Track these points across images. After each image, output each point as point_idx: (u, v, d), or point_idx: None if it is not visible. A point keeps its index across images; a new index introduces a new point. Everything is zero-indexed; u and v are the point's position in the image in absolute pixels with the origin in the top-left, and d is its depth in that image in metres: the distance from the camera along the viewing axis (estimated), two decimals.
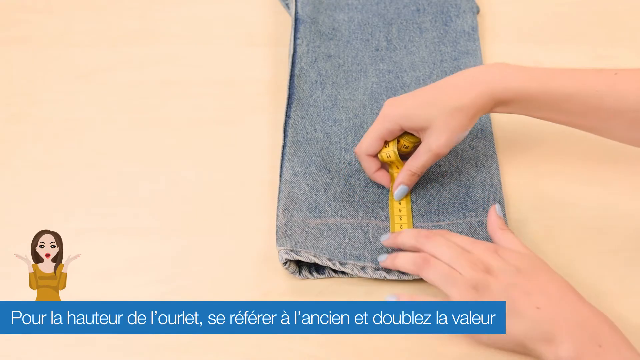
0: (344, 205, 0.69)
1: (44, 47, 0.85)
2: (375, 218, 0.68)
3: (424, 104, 0.66)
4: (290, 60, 0.80)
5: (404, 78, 0.80)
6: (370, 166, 0.70)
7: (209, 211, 0.70)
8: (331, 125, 0.75)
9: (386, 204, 0.70)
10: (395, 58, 0.82)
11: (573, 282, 0.59)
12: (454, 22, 0.85)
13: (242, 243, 0.68)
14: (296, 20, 0.84)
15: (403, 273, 0.64)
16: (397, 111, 0.67)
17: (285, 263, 0.64)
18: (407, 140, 0.69)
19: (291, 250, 0.64)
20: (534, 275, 0.58)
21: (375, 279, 0.65)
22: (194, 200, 0.71)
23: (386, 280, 0.65)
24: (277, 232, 0.66)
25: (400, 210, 0.69)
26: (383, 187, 0.71)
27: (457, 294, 0.58)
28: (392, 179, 0.70)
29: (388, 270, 0.64)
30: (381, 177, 0.70)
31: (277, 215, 0.67)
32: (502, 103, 0.66)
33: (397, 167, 0.70)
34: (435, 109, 0.66)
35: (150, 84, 0.82)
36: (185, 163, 0.74)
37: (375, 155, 0.70)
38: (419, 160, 0.68)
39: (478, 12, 0.86)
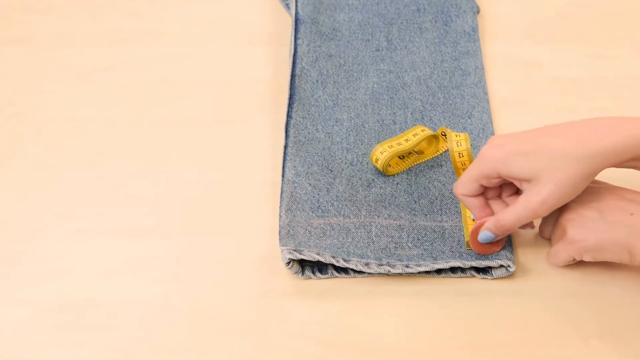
0: (346, 205, 0.69)
1: (44, 47, 0.85)
2: (378, 217, 0.68)
3: (529, 151, 0.58)
4: (291, 60, 0.80)
5: (404, 78, 0.80)
6: (471, 206, 0.63)
7: (210, 211, 0.70)
8: (333, 125, 0.75)
9: (389, 202, 0.69)
10: (395, 58, 0.82)
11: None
12: (454, 22, 0.85)
13: (244, 243, 0.68)
14: (296, 20, 0.84)
15: (407, 267, 0.64)
16: (495, 154, 0.59)
17: (288, 263, 0.64)
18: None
19: (294, 250, 0.64)
20: (608, 197, 0.60)
21: (378, 279, 0.65)
22: (194, 200, 0.71)
23: (389, 280, 0.65)
24: (280, 232, 0.66)
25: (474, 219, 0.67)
26: (385, 186, 0.71)
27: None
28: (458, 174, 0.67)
29: (392, 265, 0.64)
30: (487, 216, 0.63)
31: (280, 215, 0.67)
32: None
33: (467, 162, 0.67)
34: (544, 160, 0.57)
35: (150, 84, 0.81)
36: (186, 163, 0.74)
37: (474, 195, 0.63)
38: (511, 214, 0.60)
39: (478, 12, 0.86)
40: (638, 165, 0.59)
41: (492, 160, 0.60)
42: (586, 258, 0.61)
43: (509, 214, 0.60)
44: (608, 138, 0.57)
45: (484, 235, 0.63)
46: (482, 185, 0.63)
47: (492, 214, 0.63)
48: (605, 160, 0.57)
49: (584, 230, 0.59)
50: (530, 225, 0.64)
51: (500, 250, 0.64)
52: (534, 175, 0.58)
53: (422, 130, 0.71)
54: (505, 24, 0.87)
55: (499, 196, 0.64)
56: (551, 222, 0.64)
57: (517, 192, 0.64)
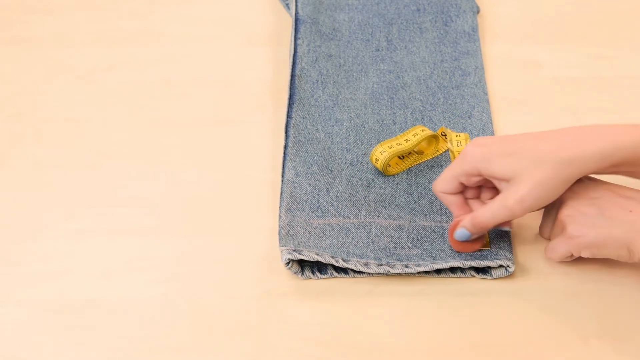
0: (346, 205, 0.69)
1: (44, 47, 0.85)
2: (378, 217, 0.68)
3: (511, 152, 0.59)
4: (291, 60, 0.80)
5: (404, 78, 0.80)
6: (449, 204, 0.64)
7: (210, 211, 0.70)
8: (332, 125, 0.75)
9: (388, 202, 0.69)
10: (395, 58, 0.82)
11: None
12: (454, 22, 0.85)
13: (244, 243, 0.68)
14: (296, 20, 0.84)
15: (406, 267, 0.64)
16: (477, 152, 0.60)
17: (287, 263, 0.64)
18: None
19: (294, 250, 0.64)
20: (607, 194, 0.60)
21: (377, 279, 0.65)
22: (194, 200, 0.71)
23: (389, 280, 0.65)
24: (279, 232, 0.66)
25: None
26: (385, 186, 0.71)
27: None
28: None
29: (392, 265, 0.64)
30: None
31: (280, 216, 0.67)
32: (621, 163, 0.58)
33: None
34: (525, 160, 0.58)
35: (150, 84, 0.81)
36: (186, 163, 0.74)
37: (453, 193, 0.64)
38: (488, 211, 0.61)
39: (478, 12, 0.86)
40: (621, 171, 0.60)
41: (473, 158, 0.60)
42: (584, 254, 0.61)
43: (485, 211, 0.61)
44: (590, 144, 0.57)
45: (460, 232, 0.63)
46: (461, 183, 0.63)
47: (470, 212, 0.64)
48: (585, 165, 0.58)
49: (584, 226, 0.60)
50: (508, 224, 0.63)
51: (485, 249, 0.65)
52: (513, 175, 0.59)
53: (422, 131, 0.71)
54: (505, 24, 0.87)
55: (478, 197, 0.65)
56: (550, 222, 0.64)
57: (496, 195, 0.64)
